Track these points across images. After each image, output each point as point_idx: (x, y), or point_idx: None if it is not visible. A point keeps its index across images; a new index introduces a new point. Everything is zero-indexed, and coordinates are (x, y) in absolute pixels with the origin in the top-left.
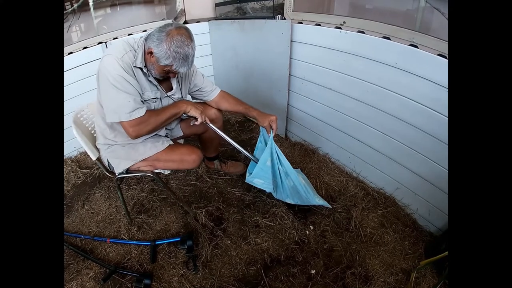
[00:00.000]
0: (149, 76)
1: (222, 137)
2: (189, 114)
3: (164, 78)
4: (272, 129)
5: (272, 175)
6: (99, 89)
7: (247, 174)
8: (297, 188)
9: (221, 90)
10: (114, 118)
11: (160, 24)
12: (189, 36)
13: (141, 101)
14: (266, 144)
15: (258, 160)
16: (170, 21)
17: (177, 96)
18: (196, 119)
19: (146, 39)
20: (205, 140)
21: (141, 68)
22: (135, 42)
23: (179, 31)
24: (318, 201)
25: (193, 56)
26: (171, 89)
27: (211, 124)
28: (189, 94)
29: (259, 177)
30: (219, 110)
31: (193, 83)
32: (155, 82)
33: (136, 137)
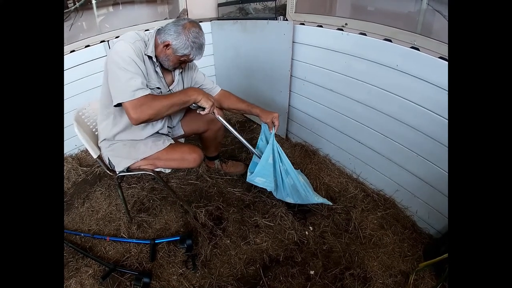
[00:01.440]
0: (156, 66)
1: (229, 130)
2: (199, 104)
3: (166, 72)
4: (274, 126)
5: (273, 173)
6: (106, 76)
7: (248, 173)
8: (296, 186)
9: (222, 89)
10: (119, 98)
11: (163, 23)
12: (201, 28)
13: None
14: (267, 142)
15: (261, 155)
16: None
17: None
18: (203, 109)
19: (158, 33)
20: (206, 139)
21: (150, 57)
22: (145, 35)
23: (193, 24)
24: (318, 199)
25: (205, 45)
26: (172, 82)
27: (219, 116)
28: None
29: (261, 175)
30: (220, 109)
31: (194, 80)
32: (161, 74)
33: (138, 121)
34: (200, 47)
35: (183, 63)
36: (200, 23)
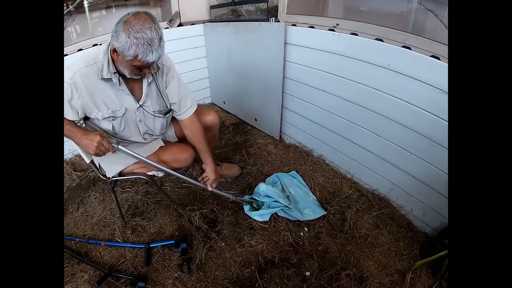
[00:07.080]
0: (120, 84)
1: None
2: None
3: (138, 85)
4: (205, 181)
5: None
6: None
7: (245, 208)
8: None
9: (193, 115)
10: None
11: None
12: (149, 18)
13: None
14: (252, 207)
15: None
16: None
17: (149, 103)
18: None
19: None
20: None
21: (109, 79)
22: (100, 51)
23: (136, 16)
24: (311, 217)
25: (160, 39)
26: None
27: (138, 158)
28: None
29: (257, 215)
30: (217, 116)
31: (168, 94)
32: (127, 91)
33: None
34: (149, 43)
35: (143, 68)
36: (193, 25)
